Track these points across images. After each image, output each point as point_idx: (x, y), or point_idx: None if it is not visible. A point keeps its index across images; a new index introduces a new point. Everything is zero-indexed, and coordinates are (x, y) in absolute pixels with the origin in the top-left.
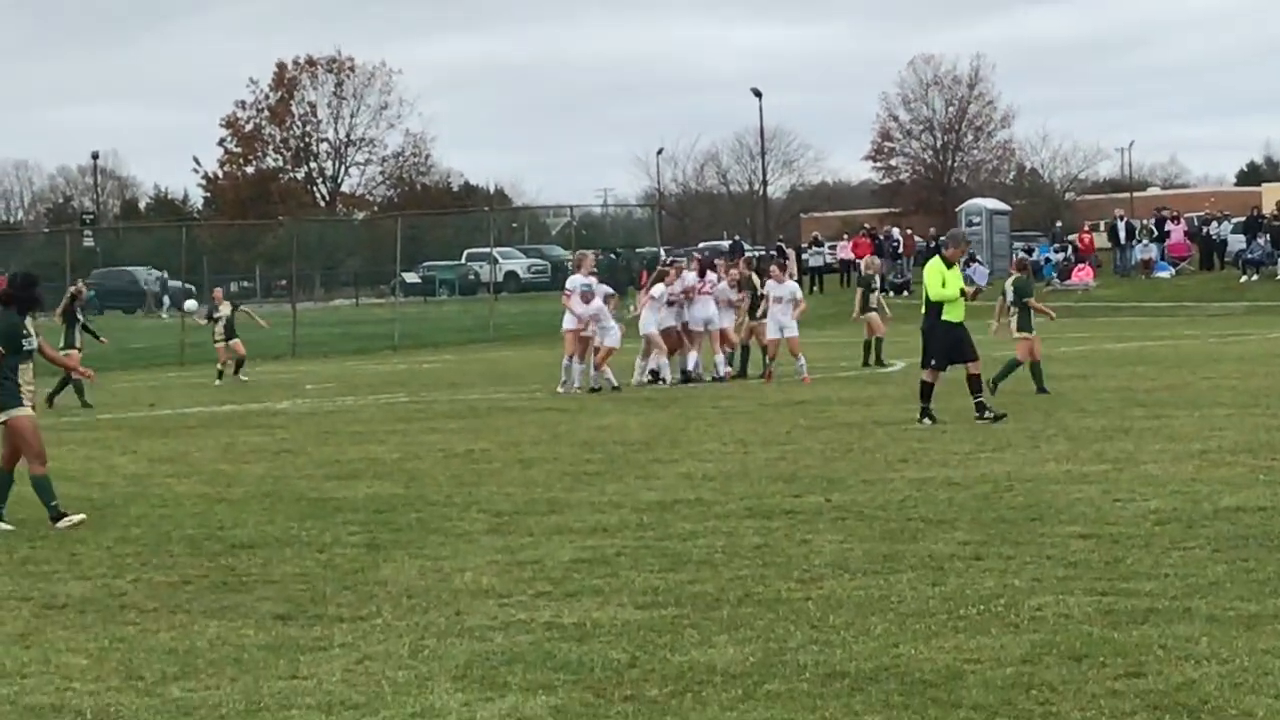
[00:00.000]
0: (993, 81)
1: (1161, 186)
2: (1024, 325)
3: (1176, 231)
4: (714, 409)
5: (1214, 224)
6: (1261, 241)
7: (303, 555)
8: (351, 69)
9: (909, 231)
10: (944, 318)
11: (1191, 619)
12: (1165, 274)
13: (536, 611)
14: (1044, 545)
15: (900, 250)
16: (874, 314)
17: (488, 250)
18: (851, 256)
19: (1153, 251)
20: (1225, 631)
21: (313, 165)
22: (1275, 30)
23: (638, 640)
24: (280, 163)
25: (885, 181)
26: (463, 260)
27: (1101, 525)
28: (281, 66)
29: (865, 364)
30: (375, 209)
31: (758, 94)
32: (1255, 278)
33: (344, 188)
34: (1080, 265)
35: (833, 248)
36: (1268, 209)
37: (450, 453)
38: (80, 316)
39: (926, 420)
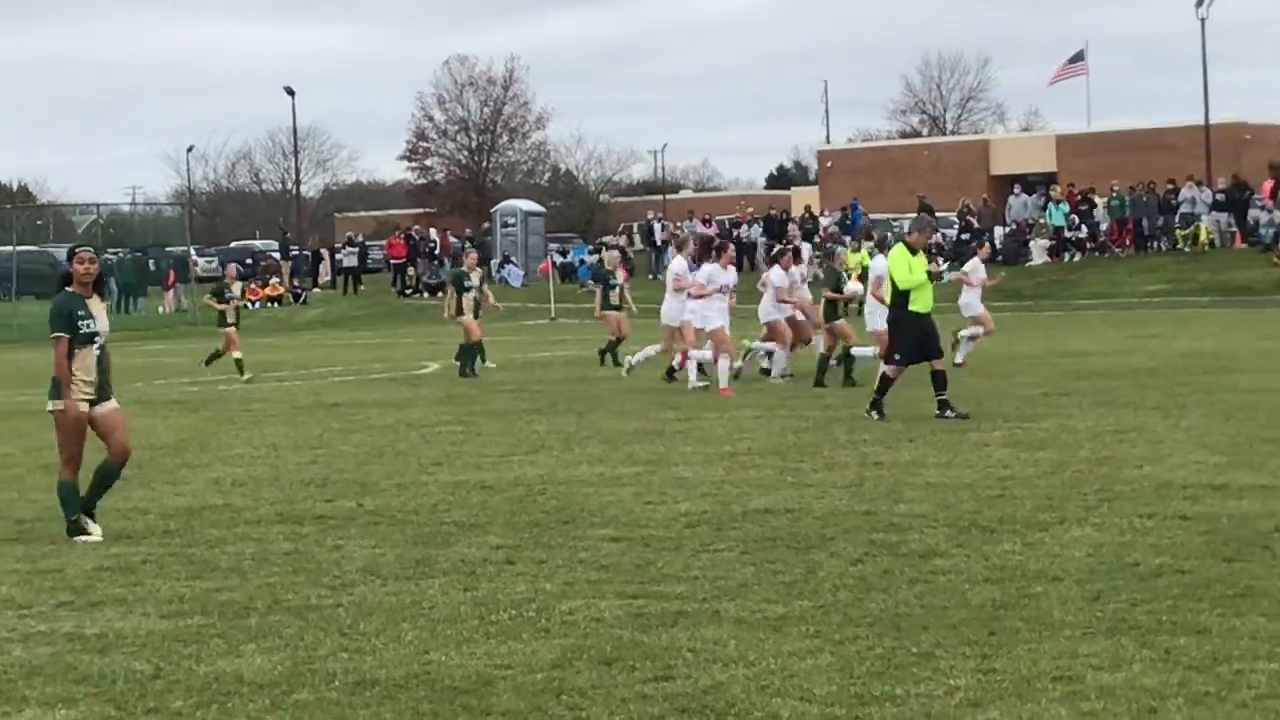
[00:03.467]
0: (527, 83)
1: (694, 189)
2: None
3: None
4: (245, 412)
5: (744, 227)
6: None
7: None
8: None
9: (446, 231)
10: (911, 308)
11: (720, 621)
12: None
13: (57, 622)
14: (576, 549)
15: (437, 250)
16: (616, 312)
17: (9, 249)
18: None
19: None
20: (753, 634)
21: None
22: (800, 39)
23: (162, 651)
24: None
25: (421, 181)
26: None
27: (633, 528)
28: None
29: (603, 363)
30: None
31: (290, 93)
32: None
33: None
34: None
35: (369, 246)
36: (797, 212)
37: None
38: None
39: (875, 414)
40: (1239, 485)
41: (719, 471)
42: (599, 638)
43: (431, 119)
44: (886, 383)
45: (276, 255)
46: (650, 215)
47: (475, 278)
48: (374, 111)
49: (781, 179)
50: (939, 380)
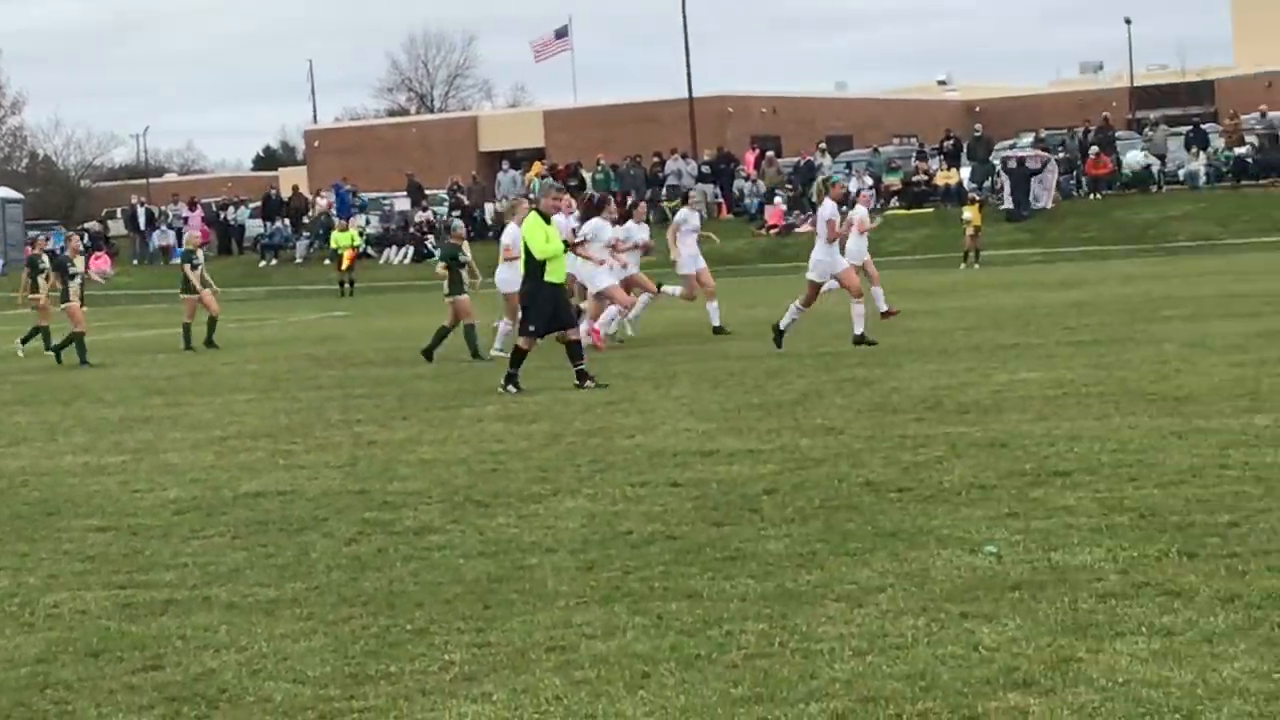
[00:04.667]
0: (0, 68)
1: (179, 172)
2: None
3: (194, 218)
4: None
5: (232, 209)
6: (281, 225)
7: None
8: None
9: None
10: (546, 278)
11: (211, 607)
12: None
13: None
14: (61, 540)
15: None
16: (206, 291)
17: None
18: None
19: (171, 238)
20: (245, 618)
21: None
22: (284, 19)
23: None
24: None
25: None
26: None
27: (120, 517)
28: None
29: (187, 346)
30: None
31: None
32: (275, 262)
33: None
34: (97, 254)
35: None
36: (285, 192)
37: None
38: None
39: (512, 388)
40: (727, 451)
41: (209, 457)
42: (85, 629)
43: None
44: (520, 354)
45: None
46: (134, 200)
47: (467, 249)
48: None
49: (269, 160)
50: (574, 351)
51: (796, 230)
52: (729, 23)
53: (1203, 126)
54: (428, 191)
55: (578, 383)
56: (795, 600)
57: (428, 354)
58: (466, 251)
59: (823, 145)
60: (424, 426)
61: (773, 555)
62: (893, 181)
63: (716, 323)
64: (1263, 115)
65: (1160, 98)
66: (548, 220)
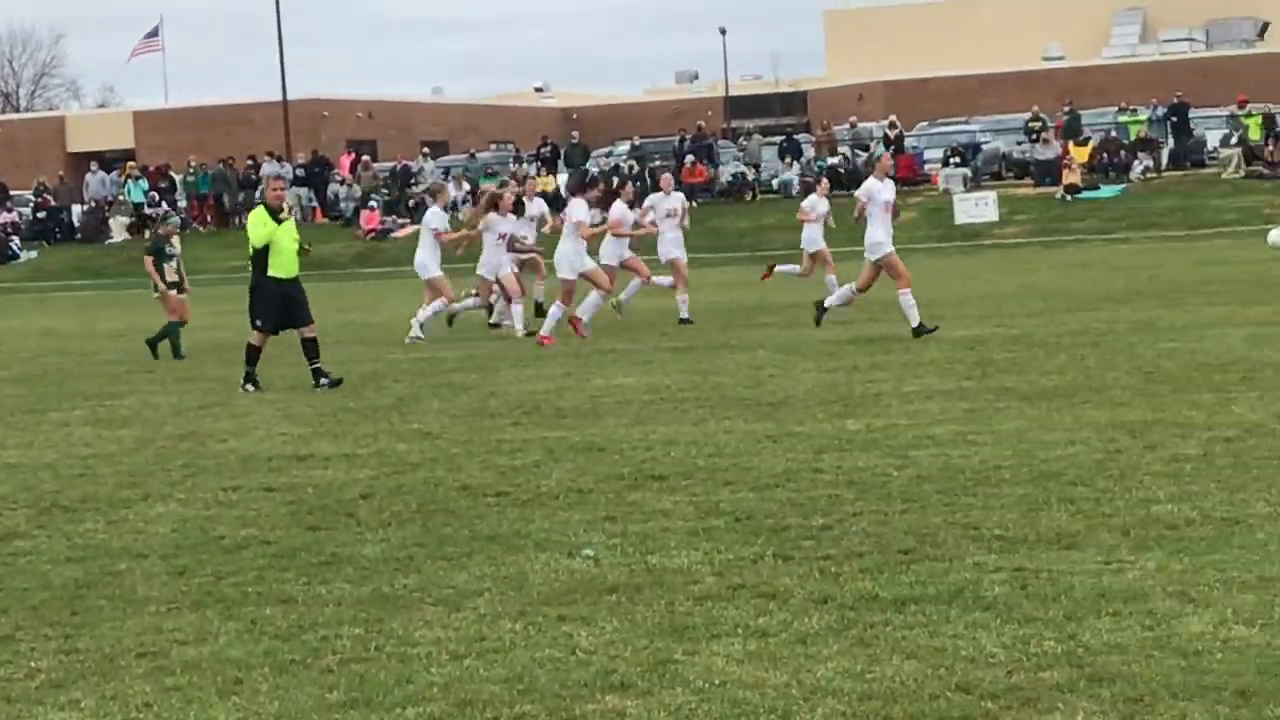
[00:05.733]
0: None
1: None
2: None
3: None
4: None
5: None
6: None
7: None
8: None
9: None
10: (270, 273)
11: None
12: None
13: None
14: None
15: None
16: None
17: None
18: None
19: None
20: None
21: None
22: None
23: None
24: None
25: None
26: None
27: None
28: None
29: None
30: None
31: None
32: None
33: None
34: None
35: None
36: None
37: None
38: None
39: (250, 386)
40: (323, 455)
41: None
42: None
43: None
44: (253, 351)
45: None
46: None
47: (177, 242)
48: None
49: None
50: (310, 348)
51: (394, 235)
52: (325, 26)
53: (796, 136)
54: (13, 192)
55: (314, 382)
56: (392, 604)
57: (168, 350)
58: (176, 245)
59: (426, 150)
60: (8, 430)
61: (369, 560)
62: (489, 187)
63: (684, 314)
64: (853, 126)
65: (754, 107)
66: (274, 215)
